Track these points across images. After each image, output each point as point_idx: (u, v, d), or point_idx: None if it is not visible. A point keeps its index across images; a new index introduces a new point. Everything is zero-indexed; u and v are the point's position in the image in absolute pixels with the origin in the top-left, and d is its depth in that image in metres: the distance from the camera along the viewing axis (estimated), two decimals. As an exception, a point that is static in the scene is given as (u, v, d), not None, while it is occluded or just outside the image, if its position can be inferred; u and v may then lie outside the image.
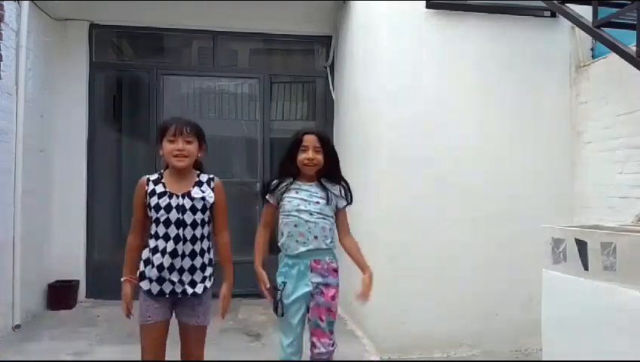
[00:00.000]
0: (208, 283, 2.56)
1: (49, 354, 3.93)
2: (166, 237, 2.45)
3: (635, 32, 2.96)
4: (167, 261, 2.45)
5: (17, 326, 4.49)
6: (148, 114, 5.86)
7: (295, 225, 2.65)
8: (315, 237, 2.64)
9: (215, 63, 6.06)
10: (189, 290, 2.48)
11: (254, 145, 6.09)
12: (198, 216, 2.49)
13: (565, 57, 4.32)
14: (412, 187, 4.05)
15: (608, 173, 3.82)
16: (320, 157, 2.64)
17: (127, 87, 6.28)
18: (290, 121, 6.60)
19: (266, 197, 2.75)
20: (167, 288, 2.47)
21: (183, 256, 2.47)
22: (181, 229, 2.46)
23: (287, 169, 2.70)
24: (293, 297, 2.66)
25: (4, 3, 4.35)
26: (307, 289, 2.65)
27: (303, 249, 2.64)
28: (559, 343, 2.80)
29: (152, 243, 2.49)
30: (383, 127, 4.15)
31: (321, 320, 2.64)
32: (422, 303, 4.01)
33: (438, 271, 4.04)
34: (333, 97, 5.99)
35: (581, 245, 2.61)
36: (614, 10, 3.33)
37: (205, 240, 2.55)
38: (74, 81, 5.61)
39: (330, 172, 2.71)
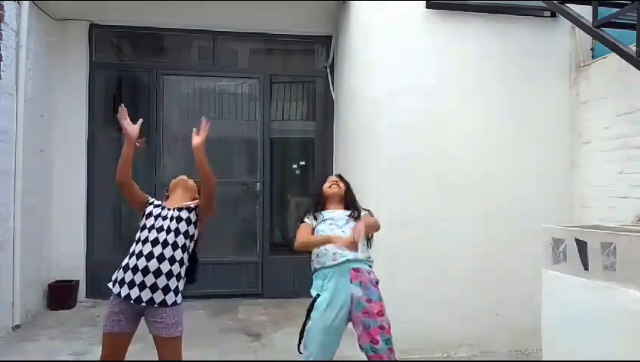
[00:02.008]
0: (179, 299, 2.53)
1: (49, 354, 3.94)
2: (145, 241, 2.53)
3: (635, 32, 2.96)
4: (141, 263, 2.48)
5: (17, 326, 4.49)
6: (148, 114, 5.84)
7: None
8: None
9: (215, 63, 6.06)
10: (158, 298, 2.46)
11: (254, 145, 6.09)
12: (182, 226, 2.57)
13: (565, 57, 4.32)
14: (412, 187, 4.05)
15: (608, 173, 3.81)
16: (342, 184, 3.01)
17: (127, 87, 6.28)
18: (290, 121, 6.60)
19: (304, 219, 2.89)
20: (134, 293, 2.45)
21: (161, 258, 2.49)
22: (163, 233, 2.53)
23: (317, 199, 3.00)
24: (330, 309, 2.59)
25: (4, 3, 4.35)
26: (346, 298, 2.59)
27: (341, 259, 2.63)
28: (559, 343, 2.79)
29: (132, 247, 2.56)
30: (383, 127, 4.15)
31: (376, 342, 2.55)
32: (422, 303, 4.00)
33: (438, 271, 4.04)
34: (333, 97, 5.99)
35: (581, 245, 2.61)
36: (614, 10, 3.33)
37: (185, 253, 2.58)
38: (74, 81, 5.61)
39: (350, 201, 2.99)
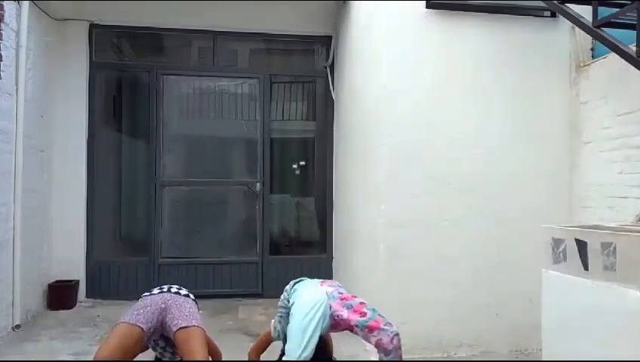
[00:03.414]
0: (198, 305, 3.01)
1: (49, 354, 3.94)
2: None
3: (635, 32, 2.96)
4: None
5: (17, 326, 4.49)
6: (148, 114, 5.85)
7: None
8: None
9: (215, 63, 6.06)
10: (183, 291, 2.97)
11: (254, 145, 6.09)
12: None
13: (565, 57, 4.32)
14: (412, 187, 4.05)
15: (608, 173, 3.81)
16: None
17: (127, 87, 6.28)
18: (290, 121, 6.61)
19: None
20: (166, 287, 2.97)
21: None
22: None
23: None
24: (306, 304, 2.78)
25: (4, 3, 4.35)
26: (321, 295, 2.82)
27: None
28: (559, 343, 2.79)
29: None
30: (383, 127, 4.14)
31: (364, 314, 2.73)
32: (422, 303, 4.00)
33: (437, 271, 4.04)
34: (333, 97, 5.99)
35: (581, 245, 2.60)
36: (614, 10, 3.33)
37: None
38: (74, 81, 5.61)
39: None
